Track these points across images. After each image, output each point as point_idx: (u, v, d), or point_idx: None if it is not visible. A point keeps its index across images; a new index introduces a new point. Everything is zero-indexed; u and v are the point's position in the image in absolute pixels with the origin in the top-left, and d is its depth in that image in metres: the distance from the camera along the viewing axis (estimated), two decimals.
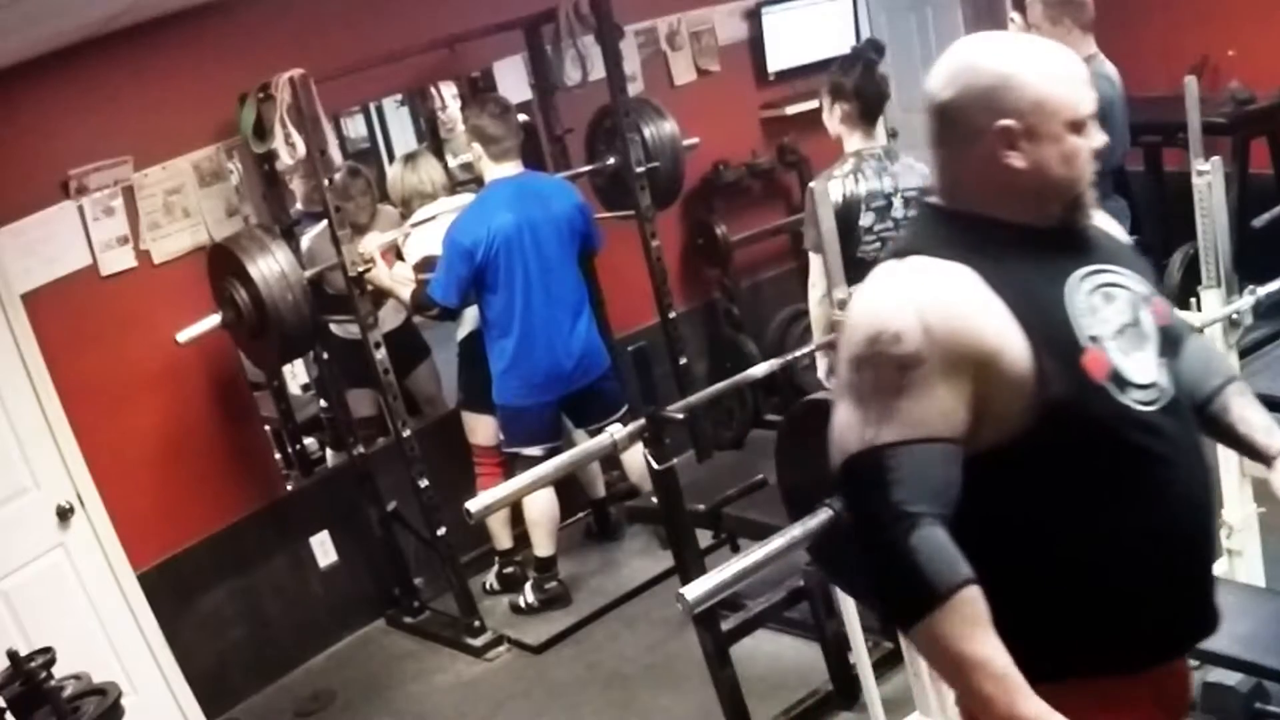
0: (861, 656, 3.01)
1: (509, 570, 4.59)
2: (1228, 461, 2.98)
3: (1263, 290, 2.81)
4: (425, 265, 4.24)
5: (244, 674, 4.29)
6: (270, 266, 3.80)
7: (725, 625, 3.29)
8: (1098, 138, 1.66)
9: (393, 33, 4.30)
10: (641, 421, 2.91)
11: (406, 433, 4.11)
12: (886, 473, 1.54)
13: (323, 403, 5.01)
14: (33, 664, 2.91)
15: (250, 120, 3.92)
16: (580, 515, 4.96)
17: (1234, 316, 2.84)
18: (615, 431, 2.78)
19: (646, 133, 4.63)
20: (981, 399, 1.57)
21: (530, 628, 4.33)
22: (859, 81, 3.59)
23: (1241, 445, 1.84)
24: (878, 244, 3.63)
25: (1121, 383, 1.60)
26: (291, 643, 4.43)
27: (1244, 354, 3.05)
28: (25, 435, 3.72)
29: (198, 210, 4.11)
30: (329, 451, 5.01)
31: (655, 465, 3.00)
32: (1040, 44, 1.70)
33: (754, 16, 5.49)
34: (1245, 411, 1.82)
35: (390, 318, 4.66)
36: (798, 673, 3.64)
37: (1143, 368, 1.64)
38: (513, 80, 4.76)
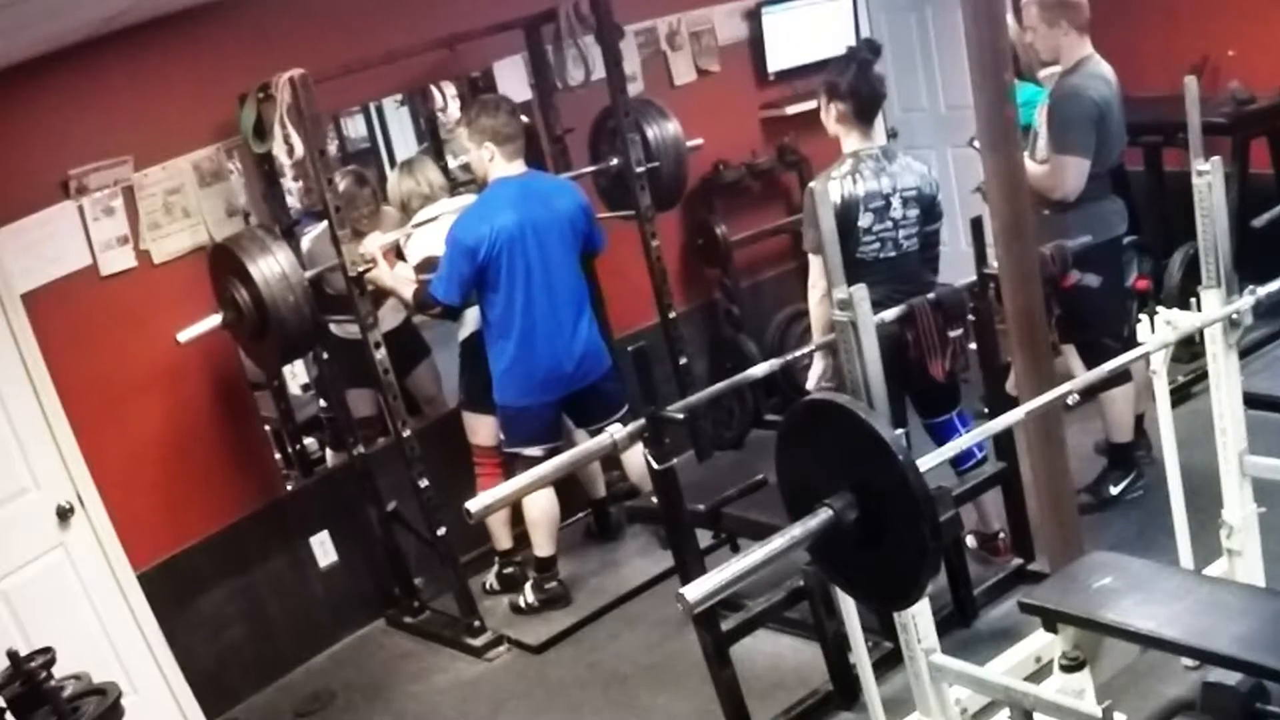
0: (861, 656, 3.01)
1: (509, 570, 4.59)
2: (1228, 462, 2.99)
3: (1263, 290, 2.81)
4: (427, 266, 4.24)
5: (244, 674, 4.29)
6: (271, 267, 3.80)
7: (725, 625, 3.30)
8: None
9: (393, 33, 4.30)
10: (641, 421, 2.91)
11: (406, 433, 4.11)
12: None
13: (323, 403, 5.01)
14: (33, 664, 2.91)
15: (250, 120, 3.92)
16: (580, 515, 4.96)
17: (1234, 316, 2.84)
18: (615, 431, 2.78)
19: (649, 133, 4.64)
20: None
21: (530, 628, 4.33)
22: (854, 81, 3.60)
23: None
24: (877, 244, 3.64)
25: None
26: (291, 643, 4.43)
27: (1244, 354, 3.04)
28: (25, 435, 3.72)
29: (198, 210, 4.11)
30: (329, 451, 5.01)
31: (655, 465, 3.01)
32: None
33: (754, 16, 5.50)
34: None
35: (389, 317, 4.66)
36: (798, 673, 3.64)
37: None
38: (513, 80, 4.77)
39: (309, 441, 4.93)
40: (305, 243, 4.51)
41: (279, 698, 4.30)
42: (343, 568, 4.56)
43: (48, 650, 2.99)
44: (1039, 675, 2.87)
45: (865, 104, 3.64)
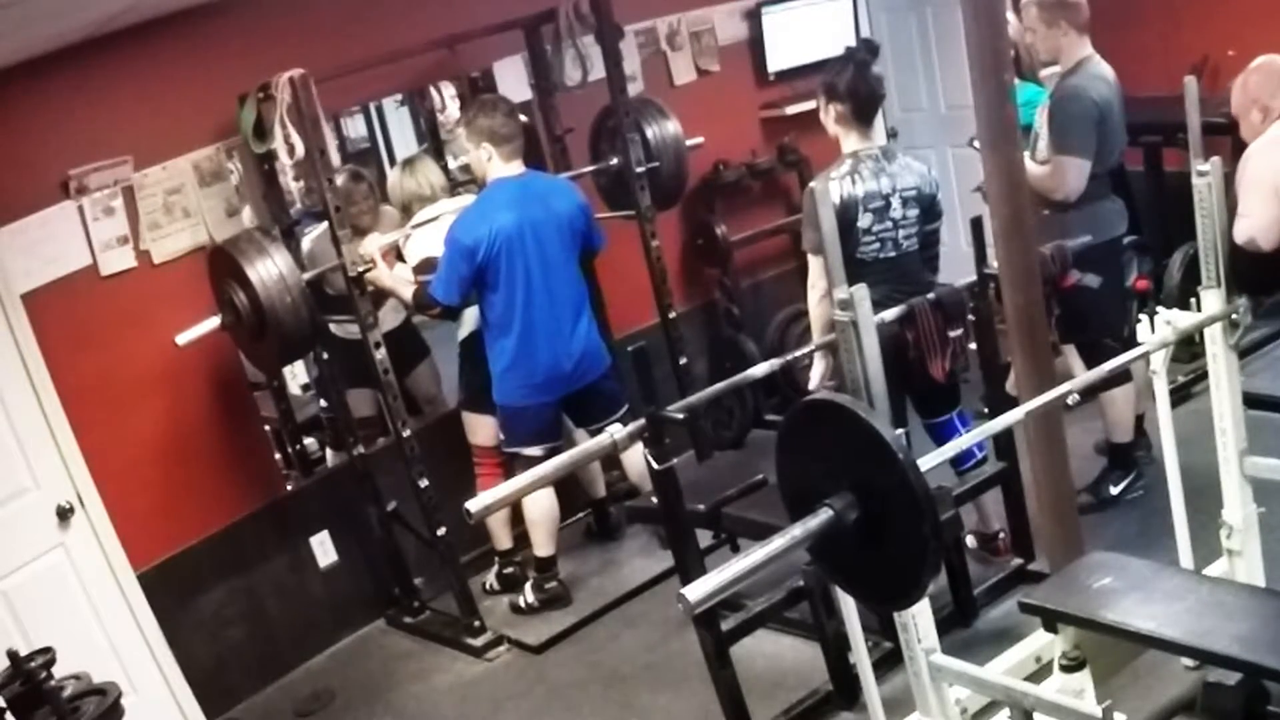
0: (861, 656, 3.01)
1: (509, 570, 4.59)
2: (1228, 462, 2.99)
3: None
4: (426, 267, 4.24)
5: (244, 674, 4.29)
6: (269, 269, 3.80)
7: (725, 625, 3.30)
8: None
9: (393, 33, 4.30)
10: (641, 421, 2.91)
11: (406, 433, 4.11)
12: None
13: (323, 403, 5.01)
14: (33, 664, 2.91)
15: (250, 120, 3.92)
16: (580, 515, 4.96)
17: (1234, 316, 2.84)
18: (615, 431, 2.78)
19: (649, 133, 4.64)
20: None
21: (530, 628, 4.33)
22: (851, 81, 3.60)
23: None
24: (876, 244, 3.64)
25: None
26: (291, 643, 4.43)
27: (1244, 354, 3.04)
28: (25, 435, 3.72)
29: (198, 210, 4.11)
30: (329, 451, 5.01)
31: (655, 465, 3.01)
32: None
33: (754, 16, 5.50)
34: None
35: (389, 318, 4.66)
36: (798, 673, 3.64)
37: None
38: (513, 80, 4.77)
39: (309, 441, 4.93)
40: (306, 243, 4.51)
41: (279, 698, 4.30)
42: (343, 568, 4.56)
43: (48, 650, 2.98)
44: (1039, 675, 2.86)
45: (863, 104, 3.64)
